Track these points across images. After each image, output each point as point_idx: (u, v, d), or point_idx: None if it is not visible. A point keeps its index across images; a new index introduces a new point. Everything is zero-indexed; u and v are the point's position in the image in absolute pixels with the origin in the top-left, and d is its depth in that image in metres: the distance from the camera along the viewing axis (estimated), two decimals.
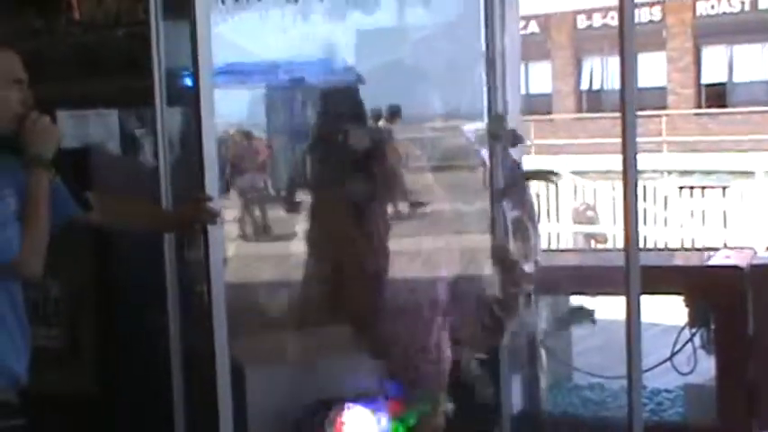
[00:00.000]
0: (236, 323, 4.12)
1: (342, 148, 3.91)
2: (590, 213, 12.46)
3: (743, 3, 22.76)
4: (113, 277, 3.87)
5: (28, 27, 4.40)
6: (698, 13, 23.28)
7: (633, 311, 3.37)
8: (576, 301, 5.35)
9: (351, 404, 4.15)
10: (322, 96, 4.06)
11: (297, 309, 4.53)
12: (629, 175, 3.37)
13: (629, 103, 3.34)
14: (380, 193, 3.86)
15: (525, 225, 4.56)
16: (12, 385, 2.61)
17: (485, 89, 4.54)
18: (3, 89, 2.60)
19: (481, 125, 4.61)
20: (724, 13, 22.87)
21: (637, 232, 3.40)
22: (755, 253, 5.27)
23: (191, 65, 4.01)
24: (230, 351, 3.95)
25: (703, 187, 13.86)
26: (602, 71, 24.13)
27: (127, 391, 3.82)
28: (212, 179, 2.92)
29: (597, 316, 4.99)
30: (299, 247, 4.44)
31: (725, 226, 12.94)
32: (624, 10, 3.35)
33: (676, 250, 7.75)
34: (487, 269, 4.49)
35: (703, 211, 13.26)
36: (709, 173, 15.99)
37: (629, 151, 3.35)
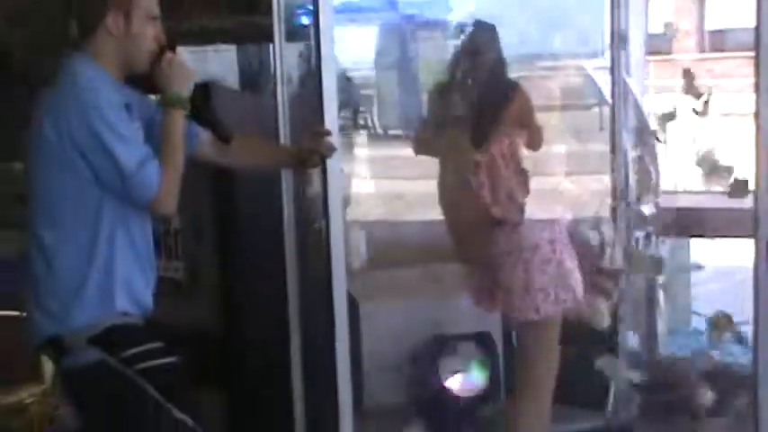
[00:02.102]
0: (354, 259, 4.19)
1: (483, 89, 3.86)
2: (713, 157, 12.10)
3: None
4: (232, 211, 3.91)
5: None
6: None
7: (761, 255, 3.27)
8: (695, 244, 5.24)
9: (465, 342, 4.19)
10: (465, 35, 3.99)
11: (416, 246, 4.55)
12: (762, 117, 3.24)
13: (765, 43, 3.21)
14: (517, 135, 3.79)
15: (646, 165, 4.47)
16: (142, 314, 2.68)
17: (606, 26, 4.42)
18: (140, 26, 2.60)
19: (603, 62, 4.51)
20: None
21: None
22: None
23: (306, 2, 4.06)
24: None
25: None
26: (726, 8, 23.30)
27: (245, 325, 3.89)
28: (332, 114, 2.92)
29: (716, 260, 4.87)
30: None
31: None
32: None
33: None
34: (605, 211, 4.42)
35: None
36: None
37: (762, 92, 3.22)
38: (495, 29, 3.92)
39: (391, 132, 8.24)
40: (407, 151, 4.28)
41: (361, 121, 9.01)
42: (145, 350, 2.60)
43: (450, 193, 3.92)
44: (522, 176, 3.79)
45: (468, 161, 3.74)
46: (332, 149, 2.91)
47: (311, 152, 2.95)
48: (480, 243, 3.73)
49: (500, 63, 3.89)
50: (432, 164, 4.07)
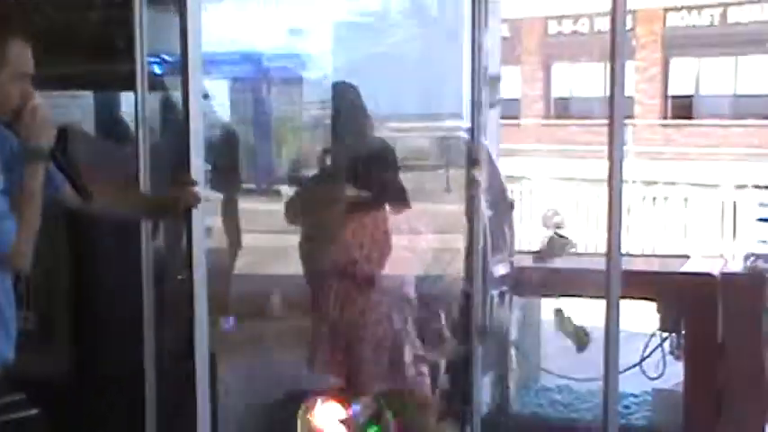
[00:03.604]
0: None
1: (349, 149, 3.96)
2: (557, 218, 12.53)
3: (712, 16, 22.97)
4: (86, 258, 3.83)
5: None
6: (668, 24, 23.47)
7: (613, 315, 3.38)
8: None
9: (323, 397, 4.17)
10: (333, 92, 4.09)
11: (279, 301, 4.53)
12: (614, 180, 3.38)
13: (618, 110, 3.36)
14: (381, 196, 3.90)
15: (501, 225, 4.59)
16: (1, 365, 2.60)
17: (464, 89, 4.53)
18: (8, 82, 2.53)
19: (462, 123, 4.62)
20: (694, 26, 23.07)
21: (619, 237, 3.41)
22: (726, 262, 5.32)
23: (159, 52, 4.03)
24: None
25: (665, 197, 13.99)
26: (571, 78, 24.28)
27: (100, 378, 3.78)
28: (198, 164, 2.88)
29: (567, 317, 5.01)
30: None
31: (685, 236, 13.07)
32: (616, 15, 3.36)
33: (647, 256, 7.81)
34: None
35: (665, 222, 13.39)
36: (672, 183, 16.14)
37: (615, 157, 3.37)
38: (356, 88, 4.03)
39: (245, 186, 8.18)
40: (261, 205, 4.29)
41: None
42: (5, 403, 2.53)
43: (318, 250, 3.98)
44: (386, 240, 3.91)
45: (340, 221, 3.83)
46: (197, 199, 2.87)
47: (176, 201, 2.91)
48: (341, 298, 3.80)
49: (367, 123, 3.98)
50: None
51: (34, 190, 2.52)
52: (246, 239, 6.37)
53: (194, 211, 2.88)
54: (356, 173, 3.96)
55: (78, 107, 4.81)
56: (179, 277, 3.30)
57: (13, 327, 2.65)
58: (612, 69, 3.35)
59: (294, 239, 4.40)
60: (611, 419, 3.42)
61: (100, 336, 3.81)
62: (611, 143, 3.36)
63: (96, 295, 3.81)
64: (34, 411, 2.60)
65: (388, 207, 3.97)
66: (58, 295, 3.81)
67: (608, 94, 3.39)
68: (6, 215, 2.46)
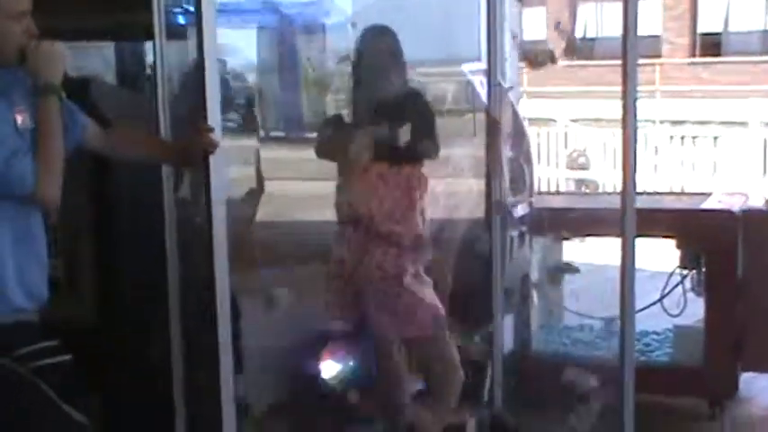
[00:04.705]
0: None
1: (381, 92, 3.90)
2: (582, 159, 12.52)
3: None
4: (111, 206, 3.88)
5: None
6: None
7: (628, 253, 3.41)
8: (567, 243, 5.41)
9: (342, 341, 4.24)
10: (363, 37, 4.03)
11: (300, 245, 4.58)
12: (629, 119, 3.40)
13: (632, 50, 3.37)
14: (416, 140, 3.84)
15: (521, 166, 4.61)
16: (38, 307, 2.68)
17: (483, 32, 4.52)
18: (6, 22, 2.56)
19: (480, 65, 4.62)
20: None
21: (634, 175, 3.44)
22: (747, 198, 5.32)
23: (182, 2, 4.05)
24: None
25: (694, 137, 13.87)
26: (597, 18, 24.01)
27: (123, 323, 3.86)
28: (214, 110, 2.93)
29: (587, 258, 5.03)
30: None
31: (714, 175, 12.98)
32: None
33: (669, 194, 7.80)
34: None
35: (693, 161, 13.29)
36: (701, 123, 15.99)
37: (629, 97, 3.38)
38: (390, 31, 3.98)
39: (273, 134, 8.24)
40: (291, 153, 4.31)
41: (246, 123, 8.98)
42: (39, 348, 2.59)
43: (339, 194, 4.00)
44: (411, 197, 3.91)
45: (372, 173, 3.84)
46: (214, 145, 2.92)
47: (193, 148, 2.97)
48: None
49: (403, 69, 3.96)
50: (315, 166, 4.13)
51: (50, 125, 2.55)
52: (274, 186, 6.45)
53: (211, 157, 2.94)
54: (391, 123, 3.88)
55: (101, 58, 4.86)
56: (197, 219, 3.37)
57: (46, 269, 2.72)
58: (625, 7, 3.35)
59: (323, 187, 4.44)
60: (627, 356, 3.47)
61: (124, 283, 3.88)
62: (624, 83, 3.37)
63: (120, 243, 3.87)
64: (68, 357, 2.65)
65: (417, 166, 3.91)
66: (84, 243, 3.87)
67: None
68: (26, 152, 2.50)
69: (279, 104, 6.84)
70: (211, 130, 2.92)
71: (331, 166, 4.11)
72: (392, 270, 3.85)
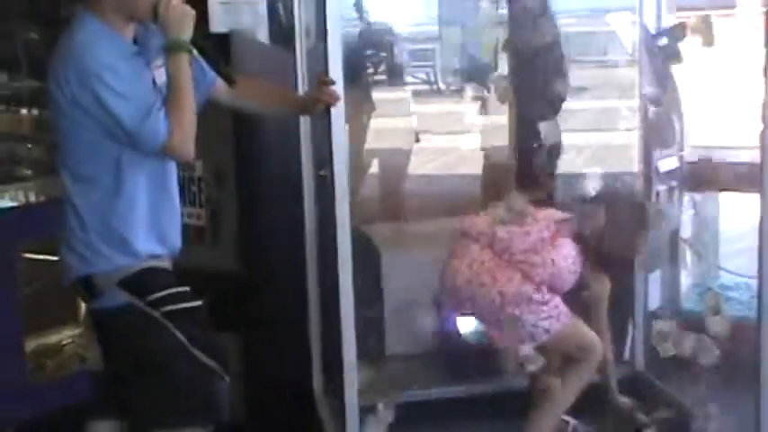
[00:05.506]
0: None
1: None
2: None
3: None
4: (253, 158, 3.99)
5: None
6: None
7: (766, 209, 3.26)
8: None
9: None
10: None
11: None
12: None
13: None
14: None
15: (670, 117, 4.44)
16: (171, 254, 2.80)
17: None
18: None
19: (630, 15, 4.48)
20: None
21: None
22: None
23: None
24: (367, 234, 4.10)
25: None
26: None
27: (265, 271, 3.99)
28: (336, 63, 2.98)
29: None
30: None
31: None
32: None
33: None
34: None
35: None
36: None
37: None
38: None
39: (453, 88, 8.28)
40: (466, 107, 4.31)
41: (423, 77, 9.04)
42: (172, 293, 2.68)
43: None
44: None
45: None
46: (335, 98, 2.97)
47: (316, 100, 3.03)
48: None
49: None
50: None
51: (181, 81, 2.61)
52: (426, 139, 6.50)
53: (333, 110, 3.00)
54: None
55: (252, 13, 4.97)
56: (321, 173, 3.44)
57: (179, 217, 2.82)
58: None
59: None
60: (764, 313, 3.33)
61: (264, 232, 4.00)
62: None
63: (260, 193, 3.99)
64: (199, 302, 2.75)
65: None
66: (227, 194, 4.02)
67: None
68: (159, 108, 2.57)
69: (459, 60, 6.89)
70: (333, 83, 2.97)
71: None
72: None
